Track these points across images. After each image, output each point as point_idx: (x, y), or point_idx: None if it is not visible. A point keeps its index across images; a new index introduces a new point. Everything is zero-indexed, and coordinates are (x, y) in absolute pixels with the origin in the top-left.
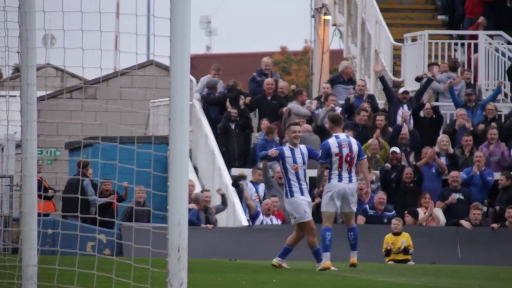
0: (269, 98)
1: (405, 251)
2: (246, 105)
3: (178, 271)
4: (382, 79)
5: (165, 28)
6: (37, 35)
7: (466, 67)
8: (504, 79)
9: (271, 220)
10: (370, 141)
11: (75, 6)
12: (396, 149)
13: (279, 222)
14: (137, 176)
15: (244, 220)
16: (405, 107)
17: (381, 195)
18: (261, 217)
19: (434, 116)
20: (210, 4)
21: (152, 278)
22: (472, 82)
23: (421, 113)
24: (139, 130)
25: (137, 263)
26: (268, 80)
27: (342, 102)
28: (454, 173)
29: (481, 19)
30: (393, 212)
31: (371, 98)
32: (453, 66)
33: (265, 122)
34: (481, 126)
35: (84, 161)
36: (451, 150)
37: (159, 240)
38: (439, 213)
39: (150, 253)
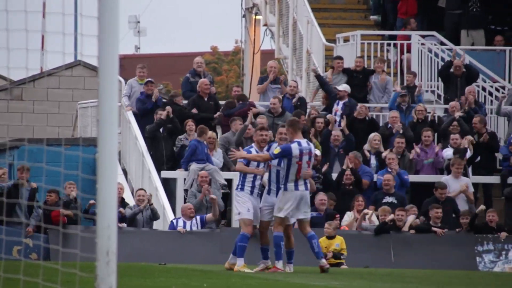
0: (205, 99)
1: (336, 256)
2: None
3: (107, 275)
4: (318, 77)
5: (93, 27)
6: None
7: (398, 68)
8: (437, 81)
9: (191, 223)
10: None
11: (0, 5)
12: (316, 151)
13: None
14: (65, 178)
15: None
16: (340, 104)
17: (321, 196)
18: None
19: (366, 118)
20: (139, 4)
21: (81, 282)
22: (404, 83)
23: (355, 114)
24: (67, 131)
25: (64, 268)
26: (203, 80)
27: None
28: (387, 176)
29: (412, 21)
30: (317, 213)
31: (301, 101)
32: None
33: (190, 124)
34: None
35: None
36: (382, 149)
37: (89, 243)
38: (373, 217)
39: (78, 257)
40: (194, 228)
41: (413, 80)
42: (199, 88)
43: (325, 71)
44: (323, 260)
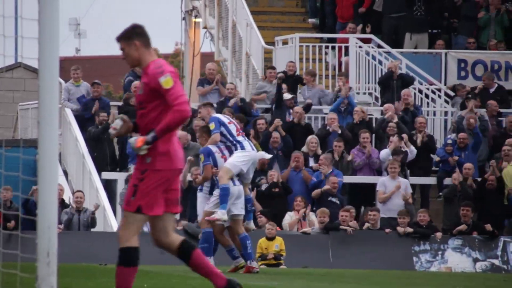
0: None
1: (276, 258)
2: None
3: (48, 276)
4: (280, 85)
5: (33, 30)
6: None
7: (337, 70)
8: (375, 83)
9: None
10: None
11: None
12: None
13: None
14: (6, 180)
15: (115, 225)
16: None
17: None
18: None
19: (303, 123)
20: (79, 6)
21: (21, 283)
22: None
23: (292, 118)
24: (7, 133)
25: (5, 268)
26: (136, 83)
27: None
28: (333, 178)
29: (352, 25)
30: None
31: (243, 101)
32: (314, 73)
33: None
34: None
35: None
36: (319, 152)
37: (30, 244)
38: (313, 217)
39: (19, 258)
40: None
41: (344, 81)
42: (132, 90)
43: (264, 74)
44: (254, 263)
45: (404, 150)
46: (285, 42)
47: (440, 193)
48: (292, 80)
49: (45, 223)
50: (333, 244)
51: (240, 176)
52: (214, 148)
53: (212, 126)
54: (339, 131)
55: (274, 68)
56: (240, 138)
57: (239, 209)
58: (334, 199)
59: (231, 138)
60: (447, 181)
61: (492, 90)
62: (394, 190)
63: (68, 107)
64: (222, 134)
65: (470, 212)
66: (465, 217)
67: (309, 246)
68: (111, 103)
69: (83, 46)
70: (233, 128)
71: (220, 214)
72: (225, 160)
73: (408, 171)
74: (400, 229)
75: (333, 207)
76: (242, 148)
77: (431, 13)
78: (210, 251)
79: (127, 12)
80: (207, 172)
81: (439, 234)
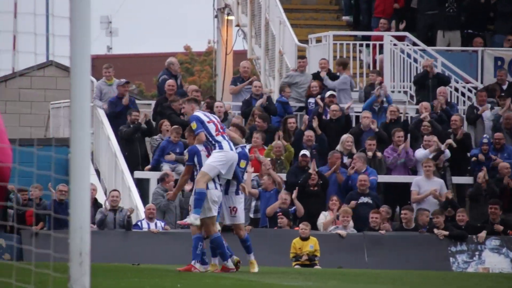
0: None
1: (310, 259)
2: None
3: (80, 276)
4: (269, 98)
5: (65, 28)
6: None
7: (371, 68)
8: (410, 81)
9: (155, 224)
10: (273, 143)
11: None
12: (305, 152)
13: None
14: (37, 179)
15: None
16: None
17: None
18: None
19: (339, 118)
20: (111, 4)
21: (54, 283)
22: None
23: (328, 116)
24: (39, 132)
25: (38, 268)
26: (170, 81)
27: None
28: (362, 176)
29: (392, 23)
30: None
31: (269, 100)
32: (344, 63)
33: (166, 124)
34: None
35: None
36: (354, 151)
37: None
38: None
39: (52, 258)
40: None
41: (376, 78)
42: (165, 89)
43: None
44: (228, 262)
45: (443, 150)
46: (318, 40)
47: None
48: (329, 78)
49: (77, 223)
50: (368, 244)
51: (219, 177)
52: (200, 147)
53: (194, 125)
54: (376, 129)
55: (304, 57)
56: (219, 138)
57: (231, 218)
58: (366, 199)
59: (210, 138)
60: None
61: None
62: (428, 193)
63: (97, 105)
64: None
65: (499, 210)
66: (493, 215)
67: (343, 246)
68: (143, 102)
69: (115, 44)
70: (212, 127)
71: (192, 219)
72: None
73: (448, 170)
74: (437, 231)
75: (365, 208)
76: (220, 148)
77: (465, 11)
78: (224, 255)
79: (159, 10)
80: (186, 171)
81: (481, 235)
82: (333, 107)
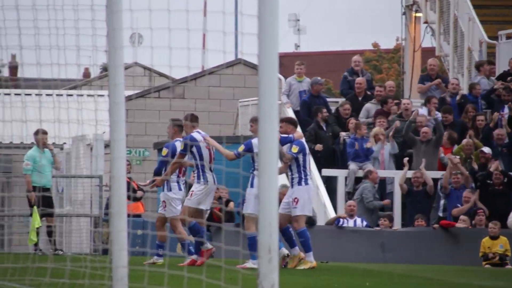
0: (360, 98)
1: (501, 259)
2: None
3: (269, 272)
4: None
5: (253, 26)
6: (124, 34)
7: None
8: None
9: (354, 222)
10: (464, 141)
11: (162, 5)
12: (485, 149)
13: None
14: (226, 176)
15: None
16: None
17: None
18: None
19: None
20: (299, 2)
21: (243, 280)
22: None
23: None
24: (228, 129)
25: (228, 265)
26: (359, 79)
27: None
28: None
29: None
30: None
31: (464, 98)
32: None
33: (353, 121)
34: None
35: None
36: None
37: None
38: None
39: (241, 255)
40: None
41: None
42: (354, 87)
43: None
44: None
45: None
46: (509, 37)
47: None
48: None
49: (266, 220)
50: None
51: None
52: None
53: (181, 146)
54: None
55: (490, 63)
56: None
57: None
58: None
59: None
60: None
61: None
62: None
63: (283, 102)
64: (191, 152)
65: None
66: None
67: None
68: (332, 100)
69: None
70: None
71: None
72: (209, 151)
73: None
74: None
75: None
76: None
77: None
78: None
79: (346, 7)
80: (177, 158)
81: None
82: None
